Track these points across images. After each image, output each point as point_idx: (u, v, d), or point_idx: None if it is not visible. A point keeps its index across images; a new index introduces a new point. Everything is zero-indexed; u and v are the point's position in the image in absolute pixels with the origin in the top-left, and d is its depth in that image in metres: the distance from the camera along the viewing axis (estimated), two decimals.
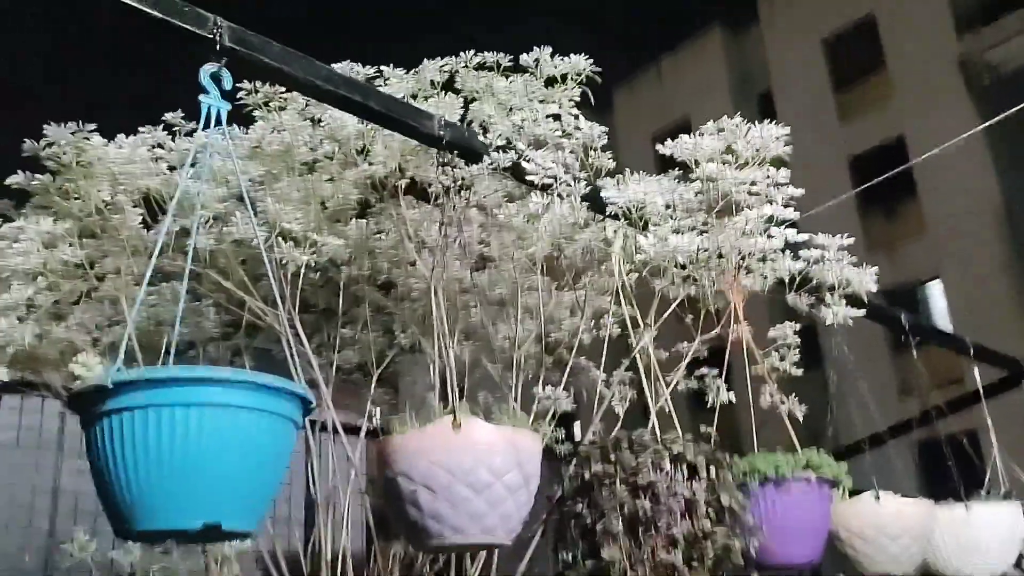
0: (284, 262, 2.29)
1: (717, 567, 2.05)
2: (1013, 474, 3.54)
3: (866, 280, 2.36)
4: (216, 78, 1.77)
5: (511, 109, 2.32)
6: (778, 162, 2.15)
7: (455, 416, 1.76)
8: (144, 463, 1.37)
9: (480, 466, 1.73)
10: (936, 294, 17.80)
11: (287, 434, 1.50)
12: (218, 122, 1.74)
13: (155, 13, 1.76)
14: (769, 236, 2.20)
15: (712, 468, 2.12)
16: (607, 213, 2.27)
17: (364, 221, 2.93)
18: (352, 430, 2.92)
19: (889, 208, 18.69)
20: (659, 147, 2.23)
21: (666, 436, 2.17)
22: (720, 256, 2.33)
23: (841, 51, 19.66)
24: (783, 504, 2.38)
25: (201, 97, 1.73)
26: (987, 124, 14.62)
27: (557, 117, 2.50)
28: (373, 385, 2.88)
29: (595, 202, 2.29)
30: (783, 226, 2.20)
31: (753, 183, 2.13)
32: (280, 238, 2.26)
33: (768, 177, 2.13)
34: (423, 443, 1.75)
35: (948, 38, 17.91)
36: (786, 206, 2.18)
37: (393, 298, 3.24)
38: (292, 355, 2.59)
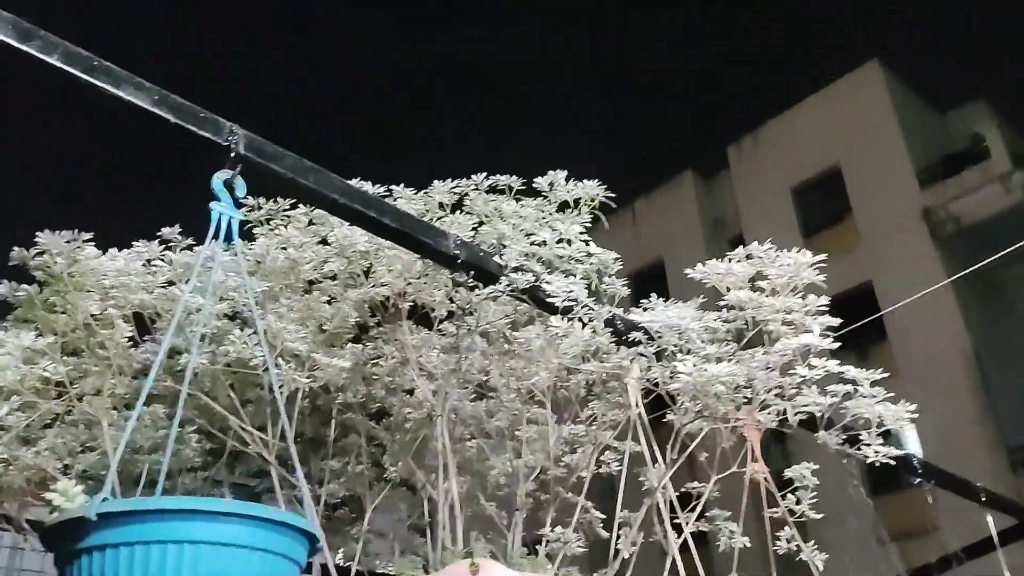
0: (280, 385, 2.14)
1: None
2: None
3: (902, 415, 2.24)
4: (229, 186, 1.68)
5: (524, 232, 2.25)
6: (813, 289, 2.07)
7: (472, 561, 1.58)
8: None
9: None
10: (911, 439, 17.71)
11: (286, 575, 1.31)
12: (228, 231, 1.63)
13: (171, 118, 1.67)
14: (810, 367, 2.09)
15: None
16: (629, 340, 2.16)
17: (360, 346, 2.80)
18: (340, 572, 2.68)
19: (861, 352, 18.81)
20: (689, 271, 2.15)
21: None
22: (745, 387, 2.21)
23: (809, 199, 20.31)
24: None
25: (212, 205, 1.63)
26: (953, 278, 15.00)
27: (568, 242, 2.44)
28: (367, 519, 2.66)
29: (616, 327, 2.18)
30: (823, 357, 2.10)
31: (788, 311, 2.05)
32: (280, 358, 2.11)
33: (806, 305, 2.05)
34: None
35: (911, 189, 18.60)
36: (823, 335, 2.09)
37: (385, 427, 3.07)
38: (277, 486, 2.40)
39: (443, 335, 2.83)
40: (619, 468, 3.08)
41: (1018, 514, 3.93)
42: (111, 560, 1.21)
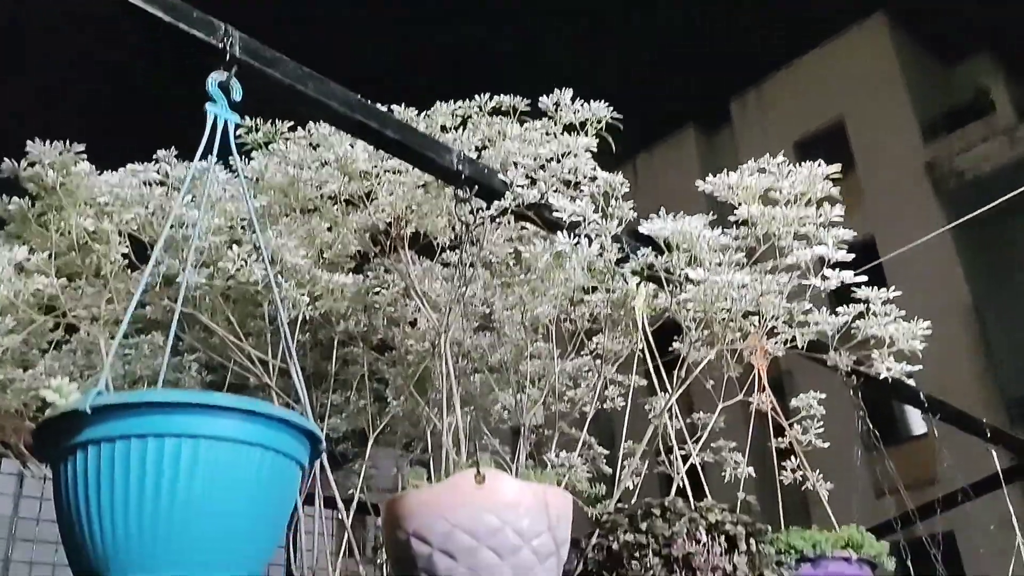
0: (282, 298, 2.08)
1: None
2: None
3: (917, 332, 2.20)
4: (224, 88, 1.61)
5: (529, 155, 2.18)
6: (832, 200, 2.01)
7: (478, 469, 1.54)
8: (123, 504, 1.14)
9: (507, 527, 1.51)
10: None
11: (289, 476, 1.28)
12: (224, 135, 1.57)
13: (165, 18, 1.61)
14: (824, 278, 2.04)
15: (753, 540, 1.91)
16: (639, 256, 2.11)
17: (361, 276, 2.75)
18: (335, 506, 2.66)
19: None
20: (698, 183, 2.09)
21: (701, 504, 1.96)
22: (753, 313, 2.17)
23: (812, 154, 20.06)
24: None
25: (208, 106, 1.56)
26: (951, 225, 14.92)
27: (575, 158, 2.37)
28: (368, 452, 2.63)
29: (623, 244, 2.13)
30: (837, 269, 2.05)
31: (802, 223, 1.99)
32: (280, 276, 2.06)
33: (820, 215, 1.99)
34: (442, 500, 1.53)
35: (915, 143, 18.45)
36: (838, 249, 2.04)
37: (388, 361, 3.04)
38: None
39: (446, 265, 2.78)
40: (624, 404, 3.06)
41: (1021, 452, 3.91)
42: (106, 455, 1.17)
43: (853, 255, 2.11)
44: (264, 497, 1.22)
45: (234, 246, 2.02)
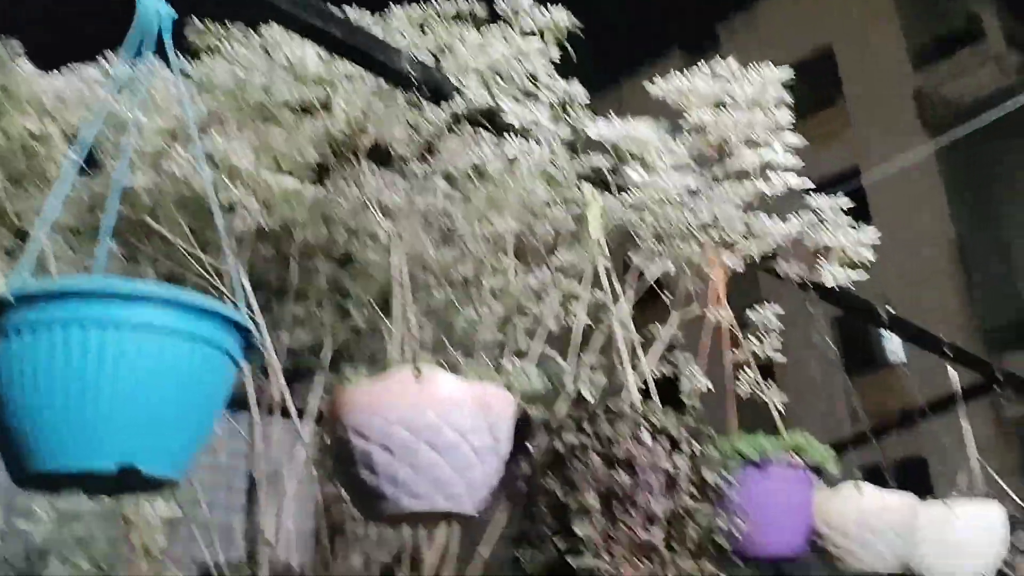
0: (230, 209, 2.07)
1: (700, 550, 1.87)
2: (990, 478, 3.42)
3: (865, 239, 2.21)
4: None
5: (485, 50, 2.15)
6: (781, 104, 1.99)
7: (417, 366, 1.56)
8: (48, 389, 1.15)
9: (445, 424, 1.53)
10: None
11: (220, 368, 1.28)
12: (159, 38, 1.53)
13: None
14: (767, 180, 2.04)
15: (696, 442, 1.95)
16: (587, 161, 2.09)
17: (319, 187, 2.73)
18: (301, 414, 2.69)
19: None
20: (647, 84, 2.07)
21: (645, 407, 2.00)
22: (711, 226, 2.17)
23: (799, 79, 19.93)
24: (767, 490, 2.21)
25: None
26: (931, 149, 14.91)
27: (534, 78, 2.34)
28: (327, 359, 2.65)
29: (576, 149, 2.12)
30: (781, 171, 2.05)
31: (751, 127, 1.98)
32: (227, 180, 2.04)
33: (769, 119, 1.98)
34: (380, 396, 1.55)
35: (904, 71, 18.27)
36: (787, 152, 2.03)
37: (350, 274, 3.04)
38: None
39: (405, 177, 2.77)
40: (587, 322, 3.08)
41: (983, 370, 3.98)
42: (29, 344, 1.17)
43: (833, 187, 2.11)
44: (192, 388, 1.24)
45: (179, 148, 1.99)
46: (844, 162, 18.37)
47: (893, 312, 3.17)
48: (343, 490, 1.62)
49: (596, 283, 2.61)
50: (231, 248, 1.50)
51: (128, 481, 1.19)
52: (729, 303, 2.62)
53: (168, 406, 1.20)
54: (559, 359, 3.08)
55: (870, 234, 2.23)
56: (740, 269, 2.54)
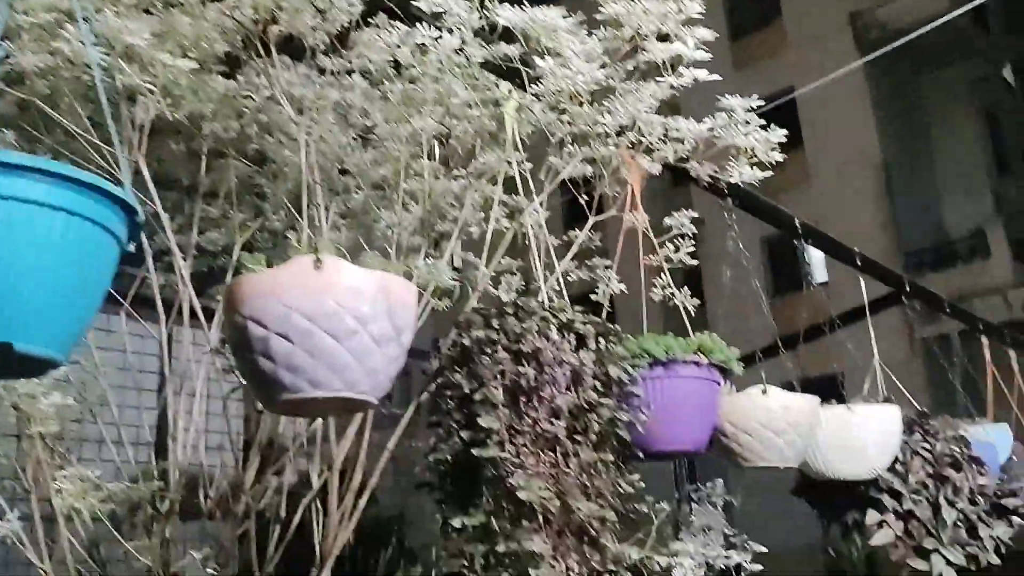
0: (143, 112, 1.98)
1: (602, 442, 1.91)
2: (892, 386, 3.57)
3: (773, 141, 2.23)
4: None
5: None
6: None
7: (316, 254, 1.53)
8: None
9: (344, 311, 1.51)
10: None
11: (99, 245, 1.23)
12: None
13: None
14: (679, 75, 2.03)
15: (601, 339, 1.97)
16: (494, 48, 2.04)
17: (230, 80, 2.62)
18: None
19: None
20: None
21: (553, 304, 2.01)
22: (628, 129, 2.16)
23: (738, 1, 19.90)
24: (672, 388, 2.27)
25: None
26: (862, 61, 15.07)
27: None
28: (235, 257, 2.60)
29: (487, 39, 2.07)
30: (691, 66, 2.03)
31: (663, 19, 1.95)
32: (121, 61, 1.94)
33: (680, 11, 1.95)
34: (278, 283, 1.52)
35: None
36: (697, 48, 2.02)
37: (266, 174, 2.96)
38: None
39: (321, 72, 2.69)
40: (507, 226, 3.07)
41: (893, 281, 4.12)
42: None
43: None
44: (68, 264, 1.19)
45: (68, 25, 1.88)
46: (779, 82, 18.49)
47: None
48: (243, 378, 1.60)
49: (513, 186, 2.60)
50: (117, 131, 1.42)
51: (6, 360, 1.15)
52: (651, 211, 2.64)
53: (43, 282, 1.16)
54: (476, 260, 3.08)
55: (778, 134, 2.25)
56: (656, 172, 2.54)
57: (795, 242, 3.22)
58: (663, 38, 1.99)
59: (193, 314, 2.52)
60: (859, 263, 3.63)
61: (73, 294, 1.21)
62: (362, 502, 2.10)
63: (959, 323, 5.29)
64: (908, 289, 4.00)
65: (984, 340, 4.64)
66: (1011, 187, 19.95)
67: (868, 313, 3.75)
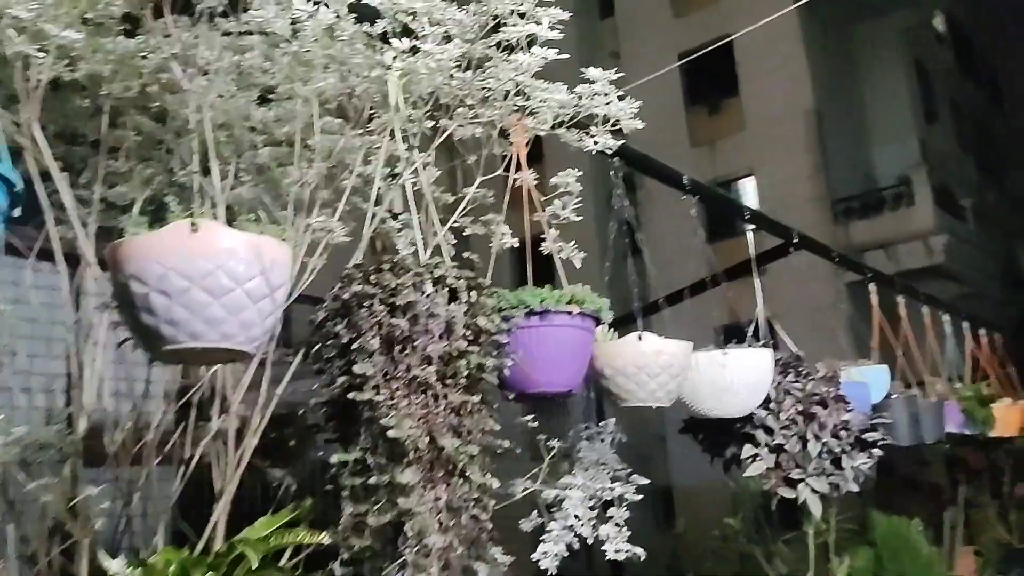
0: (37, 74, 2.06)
1: (472, 386, 2.11)
2: (777, 332, 3.84)
3: (626, 109, 2.42)
4: None
5: None
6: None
7: (192, 219, 1.68)
8: None
9: (219, 271, 1.67)
10: (750, 191, 18.87)
11: None
12: None
13: None
14: (531, 53, 2.19)
15: (472, 292, 2.16)
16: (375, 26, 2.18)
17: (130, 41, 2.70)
18: None
19: (713, 106, 19.51)
20: None
21: (429, 261, 2.19)
22: (515, 95, 2.31)
23: None
24: (547, 335, 2.47)
25: None
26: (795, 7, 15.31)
27: None
28: (136, 211, 2.71)
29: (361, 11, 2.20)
30: (544, 46, 2.20)
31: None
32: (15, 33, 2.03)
33: None
34: (157, 246, 1.67)
35: None
36: (552, 28, 2.17)
37: (171, 130, 3.06)
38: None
39: (223, 33, 2.77)
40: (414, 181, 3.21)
41: (782, 233, 4.37)
42: None
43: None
44: None
45: None
46: (715, 31, 18.69)
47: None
48: (129, 330, 1.75)
49: (406, 145, 2.74)
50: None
51: None
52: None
53: None
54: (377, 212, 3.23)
55: (632, 105, 2.44)
56: (541, 133, 2.71)
57: (683, 197, 3.43)
58: (522, 16, 2.14)
59: (103, 265, 2.63)
60: (747, 217, 3.87)
61: None
62: (254, 441, 2.28)
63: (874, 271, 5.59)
64: (795, 241, 4.26)
65: (872, 287, 4.95)
66: (937, 136, 20.59)
67: (755, 266, 4.00)
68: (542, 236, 2.89)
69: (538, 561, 3.03)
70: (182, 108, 2.91)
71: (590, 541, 3.15)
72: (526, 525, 3.10)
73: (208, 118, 2.39)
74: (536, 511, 3.17)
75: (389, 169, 3.11)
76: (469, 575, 2.04)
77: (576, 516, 3.15)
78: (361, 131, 3.02)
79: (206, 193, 2.84)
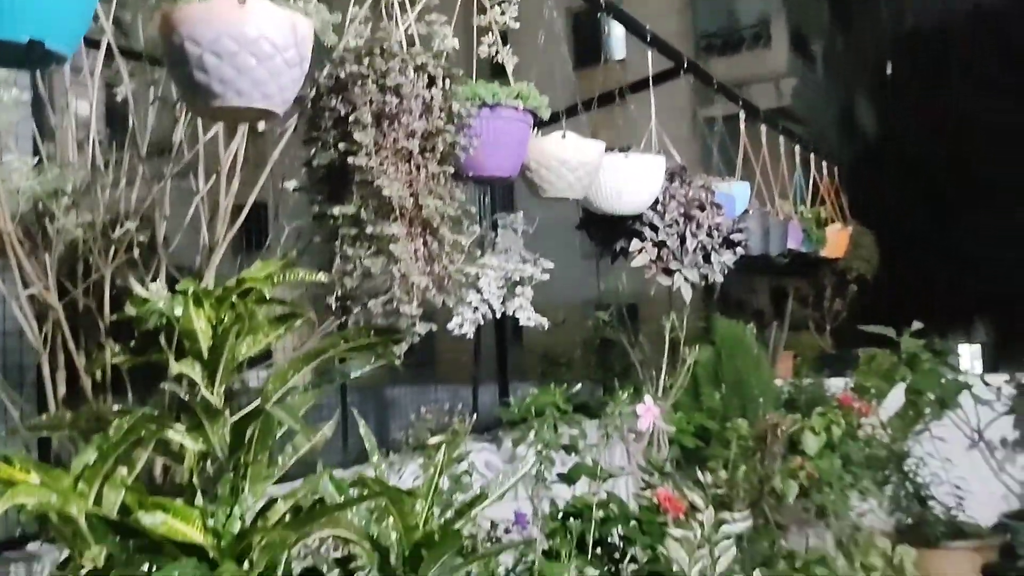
0: None
1: (444, 159, 2.52)
2: (663, 142, 4.37)
3: None
4: None
5: None
6: None
7: None
8: None
9: (263, 39, 1.97)
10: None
11: None
12: None
13: None
14: None
15: (448, 80, 2.53)
16: None
17: None
18: None
19: None
20: None
21: (412, 49, 2.53)
22: None
23: None
24: (496, 126, 2.89)
25: None
26: None
27: None
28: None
29: None
30: None
31: None
32: None
33: None
34: (210, 13, 1.94)
35: None
36: None
37: None
38: None
39: None
40: None
41: (675, 57, 4.85)
42: None
43: None
44: None
45: None
46: None
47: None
48: (179, 88, 2.03)
49: None
50: None
51: (33, 56, 1.56)
52: None
53: None
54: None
55: None
56: None
57: (598, 16, 3.81)
58: None
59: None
60: (648, 38, 4.30)
61: None
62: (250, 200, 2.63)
63: (726, 108, 6.21)
64: (685, 66, 4.76)
65: (741, 114, 5.57)
66: None
67: (652, 84, 4.48)
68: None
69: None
70: None
71: (498, 315, 3.71)
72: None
73: None
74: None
75: None
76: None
77: (491, 290, 3.68)
78: None
79: None
